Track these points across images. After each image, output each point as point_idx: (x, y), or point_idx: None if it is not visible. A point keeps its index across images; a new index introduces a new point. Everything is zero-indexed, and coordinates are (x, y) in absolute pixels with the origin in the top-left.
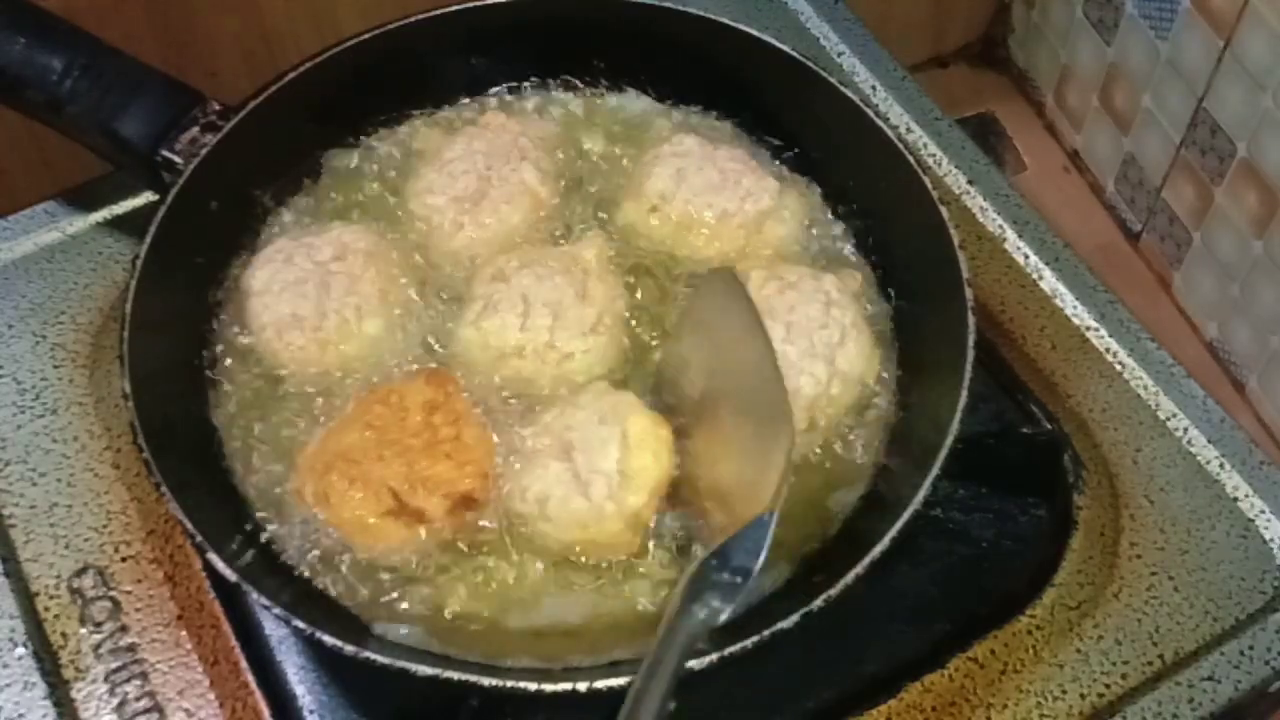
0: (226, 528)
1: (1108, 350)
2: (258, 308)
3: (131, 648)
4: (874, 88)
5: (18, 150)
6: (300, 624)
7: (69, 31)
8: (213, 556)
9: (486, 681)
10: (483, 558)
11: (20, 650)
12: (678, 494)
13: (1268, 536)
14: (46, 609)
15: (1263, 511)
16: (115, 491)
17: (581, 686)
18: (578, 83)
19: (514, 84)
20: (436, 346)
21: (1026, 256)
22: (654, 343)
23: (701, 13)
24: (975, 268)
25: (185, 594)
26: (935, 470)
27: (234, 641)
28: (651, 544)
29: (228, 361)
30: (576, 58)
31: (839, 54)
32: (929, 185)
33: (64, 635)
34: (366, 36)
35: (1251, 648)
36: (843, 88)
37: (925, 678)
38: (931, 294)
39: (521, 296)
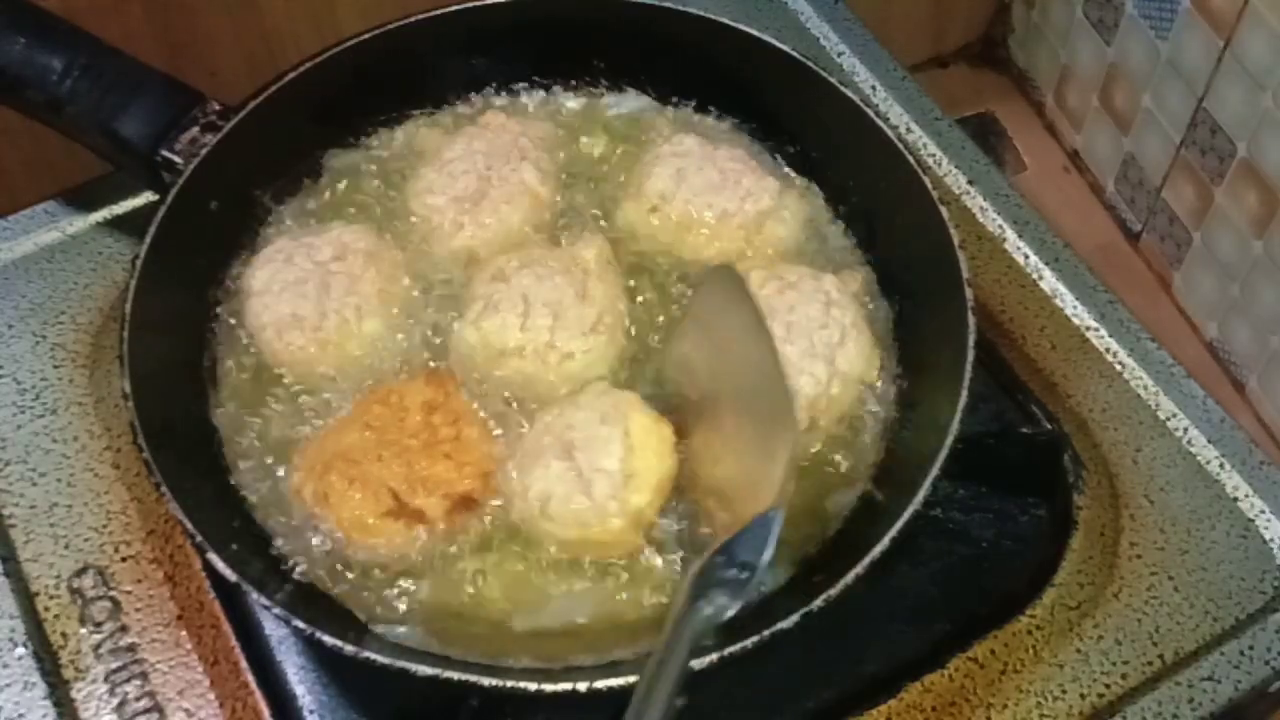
0: (226, 528)
1: (1108, 350)
2: (258, 308)
3: (131, 648)
4: (874, 88)
5: (18, 150)
6: (300, 624)
7: (69, 31)
8: (213, 556)
9: (486, 681)
10: (483, 557)
11: (20, 650)
12: (680, 493)
13: (1268, 536)
14: (46, 609)
15: (1263, 511)
16: (115, 491)
17: (582, 686)
18: (577, 82)
19: (514, 84)
20: (437, 346)
21: (1026, 256)
22: (654, 342)
23: (701, 13)
24: (975, 268)
25: (185, 594)
26: (935, 470)
27: (234, 641)
28: (653, 543)
29: (228, 362)
30: (576, 57)
31: (839, 54)
32: (929, 185)
33: (64, 635)
34: (366, 36)
35: (1251, 648)
36: (843, 88)
37: (925, 678)
38: (931, 294)
39: (522, 296)
